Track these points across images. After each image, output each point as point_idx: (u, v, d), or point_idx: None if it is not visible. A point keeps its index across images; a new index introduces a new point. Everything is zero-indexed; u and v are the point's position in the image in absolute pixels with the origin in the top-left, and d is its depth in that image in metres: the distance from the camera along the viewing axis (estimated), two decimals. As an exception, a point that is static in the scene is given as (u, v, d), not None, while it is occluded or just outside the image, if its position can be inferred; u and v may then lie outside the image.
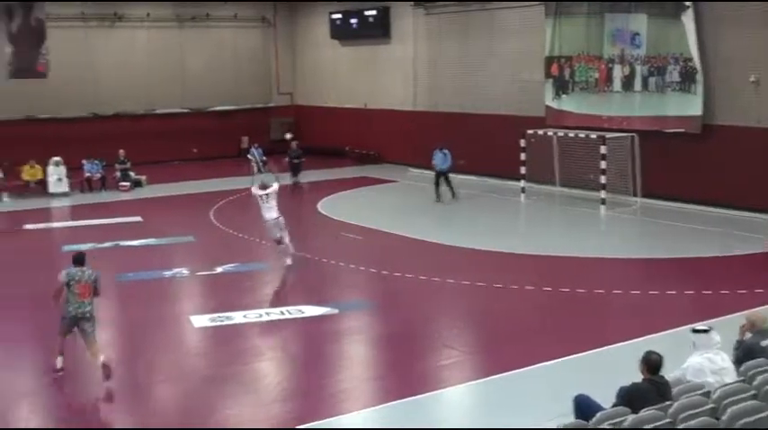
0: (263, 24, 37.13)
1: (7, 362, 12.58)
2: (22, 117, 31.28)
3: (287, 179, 26.73)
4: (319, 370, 12.11)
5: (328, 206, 24.78)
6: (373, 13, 32.79)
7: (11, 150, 27.69)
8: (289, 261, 17.37)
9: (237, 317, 14.26)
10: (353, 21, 33.76)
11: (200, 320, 14.17)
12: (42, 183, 27.57)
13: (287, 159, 29.12)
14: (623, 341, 12.45)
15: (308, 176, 28.99)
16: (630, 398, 7.83)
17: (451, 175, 24.70)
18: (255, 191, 17.38)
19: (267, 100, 37.36)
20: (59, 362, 11.67)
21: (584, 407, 8.26)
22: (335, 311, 14.50)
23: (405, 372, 11.87)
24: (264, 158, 29.48)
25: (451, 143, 25.39)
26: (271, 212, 17.21)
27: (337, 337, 13.57)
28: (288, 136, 31.84)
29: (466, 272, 16.86)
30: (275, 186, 17.47)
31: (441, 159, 24.58)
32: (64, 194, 27.45)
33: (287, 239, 17.37)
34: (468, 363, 12.39)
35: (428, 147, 25.49)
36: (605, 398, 8.25)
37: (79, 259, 11.85)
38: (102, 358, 11.38)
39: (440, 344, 13.13)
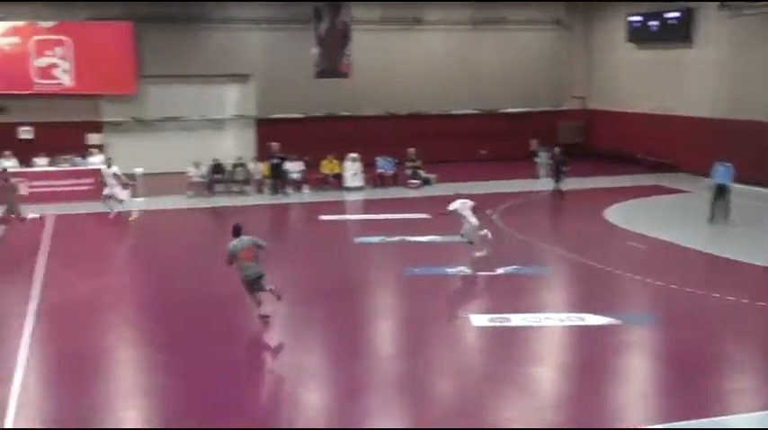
0: (558, 27, 36.79)
1: (312, 344, 13.51)
2: (324, 114, 33.31)
3: (557, 184, 26.36)
4: (596, 380, 11.82)
5: (616, 214, 24.04)
6: (675, 15, 31.39)
7: (313, 145, 29.47)
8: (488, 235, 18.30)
9: (516, 319, 14.25)
10: (653, 23, 32.53)
11: (479, 319, 14.33)
12: (339, 178, 29.18)
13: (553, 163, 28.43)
14: None
15: (597, 182, 28.29)
16: None
17: (748, 188, 22.83)
18: (457, 206, 18.08)
19: (558, 103, 36.98)
20: (261, 310, 14.00)
21: None
22: (618, 322, 14.05)
23: (686, 394, 11.25)
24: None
25: (754, 154, 23.63)
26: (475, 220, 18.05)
27: (618, 349, 13.13)
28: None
29: (764, 292, 15.66)
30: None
31: (722, 173, 22.35)
32: (358, 189, 28.89)
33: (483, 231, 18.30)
34: (759, 392, 11.48)
35: (728, 157, 23.66)
36: None
37: (236, 230, 13.98)
38: (261, 311, 13.89)
39: (728, 368, 12.32)
